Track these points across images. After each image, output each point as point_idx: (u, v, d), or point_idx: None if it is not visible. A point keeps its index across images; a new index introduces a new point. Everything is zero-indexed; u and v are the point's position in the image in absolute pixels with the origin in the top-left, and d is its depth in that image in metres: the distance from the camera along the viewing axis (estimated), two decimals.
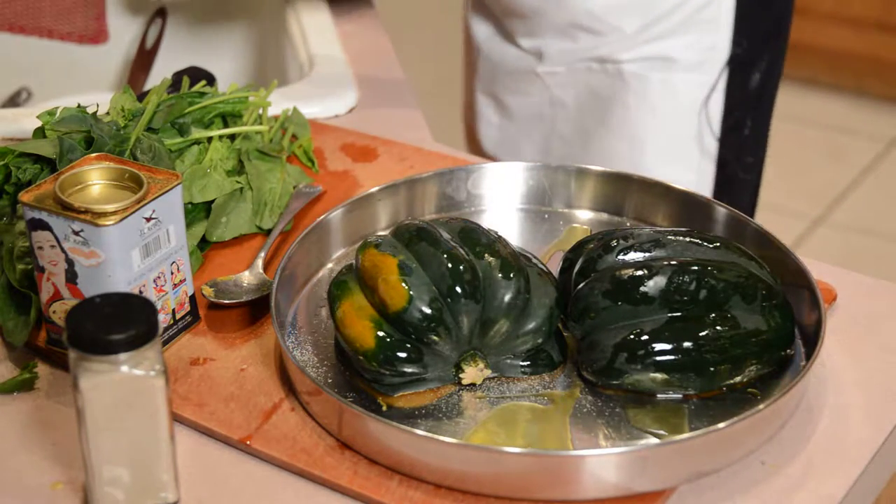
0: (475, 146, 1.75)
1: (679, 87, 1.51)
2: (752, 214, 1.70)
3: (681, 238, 1.02)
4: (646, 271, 0.98)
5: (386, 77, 1.53)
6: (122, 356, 0.83)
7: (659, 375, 0.96)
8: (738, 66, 1.52)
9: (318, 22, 1.61)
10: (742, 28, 1.51)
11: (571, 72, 1.56)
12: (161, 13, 1.72)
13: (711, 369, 0.96)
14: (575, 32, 1.53)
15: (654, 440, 0.94)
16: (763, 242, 1.09)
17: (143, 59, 1.68)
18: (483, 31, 1.65)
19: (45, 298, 1.00)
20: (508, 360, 1.00)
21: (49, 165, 1.09)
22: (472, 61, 1.72)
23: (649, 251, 1.01)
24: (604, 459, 0.89)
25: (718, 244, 1.02)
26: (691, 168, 1.55)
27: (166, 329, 1.03)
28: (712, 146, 1.55)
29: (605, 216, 1.21)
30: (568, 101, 1.58)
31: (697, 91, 1.52)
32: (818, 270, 1.11)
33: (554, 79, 1.58)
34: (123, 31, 1.73)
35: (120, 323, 0.83)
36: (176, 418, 0.97)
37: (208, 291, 1.08)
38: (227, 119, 1.25)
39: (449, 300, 0.95)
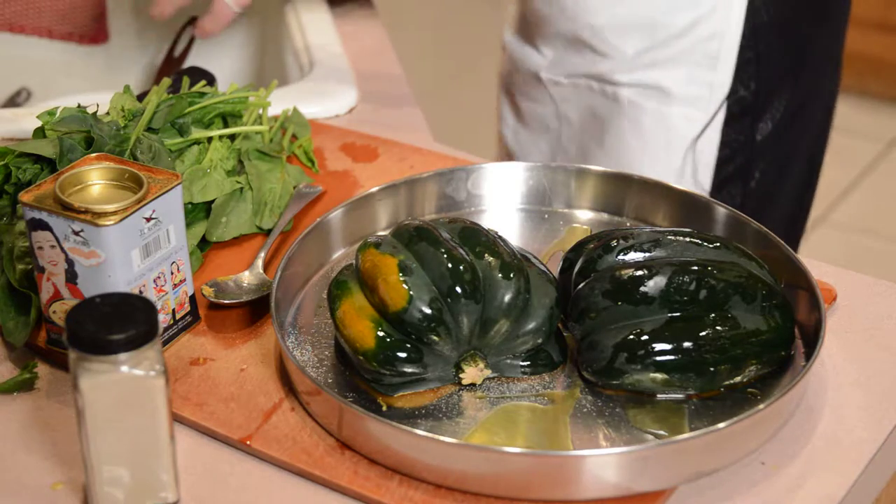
0: (502, 146, 1.75)
1: (672, 120, 1.48)
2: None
3: (681, 238, 1.02)
4: (646, 271, 0.98)
5: (386, 77, 1.53)
6: (122, 356, 0.83)
7: (659, 375, 0.96)
8: (744, 110, 1.48)
9: (318, 22, 1.61)
10: (749, 69, 1.46)
11: (574, 87, 1.54)
12: (193, 22, 1.71)
13: (711, 369, 0.96)
14: (579, 46, 1.51)
15: (654, 440, 0.94)
16: (763, 242, 1.09)
17: (171, 66, 1.67)
18: (508, 32, 1.65)
19: (45, 298, 1.00)
20: (508, 360, 1.00)
21: (49, 165, 1.09)
22: (500, 59, 1.71)
23: (649, 251, 1.01)
24: (604, 459, 0.89)
25: (718, 244, 1.02)
26: None
27: (166, 329, 1.03)
28: (704, 185, 1.51)
29: (605, 216, 1.21)
30: (573, 117, 1.56)
31: (690, 127, 1.48)
32: (818, 270, 1.11)
33: (558, 91, 1.56)
34: (123, 31, 1.73)
35: (120, 323, 0.83)
36: (176, 418, 0.97)
37: (208, 291, 1.08)
38: (227, 119, 1.25)
39: (449, 300, 0.95)
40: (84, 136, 1.11)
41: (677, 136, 1.49)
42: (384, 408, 0.97)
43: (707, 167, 1.50)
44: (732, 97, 1.47)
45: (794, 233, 1.65)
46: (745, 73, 1.46)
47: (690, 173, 1.50)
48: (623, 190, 1.20)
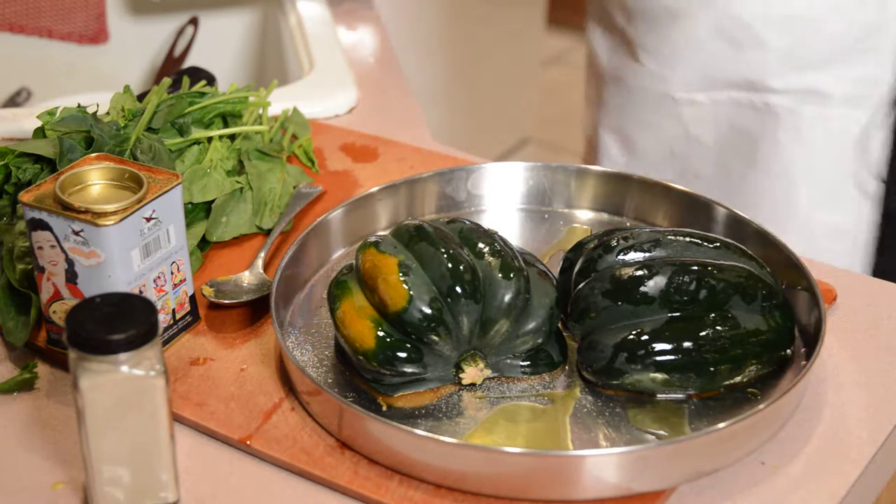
0: None
1: (835, 123, 1.39)
2: None
3: (681, 238, 1.02)
4: (646, 271, 0.98)
5: (386, 77, 1.53)
6: (122, 356, 0.83)
7: (659, 375, 0.96)
8: None
9: (318, 22, 1.61)
10: None
11: (714, 105, 1.43)
12: (193, 22, 1.71)
13: (711, 369, 0.96)
14: (712, 43, 1.40)
15: (654, 440, 0.94)
16: (763, 242, 1.09)
17: (171, 66, 1.67)
18: (604, 45, 1.52)
19: (45, 298, 1.00)
20: (508, 360, 1.00)
21: (49, 165, 1.10)
22: (598, 92, 1.56)
23: (649, 251, 1.01)
24: (604, 459, 0.89)
25: (718, 244, 1.02)
26: (850, 210, 1.43)
27: (166, 329, 1.03)
28: (872, 187, 1.42)
29: (605, 216, 1.21)
30: (706, 138, 1.46)
31: (855, 127, 1.39)
32: (818, 270, 1.11)
33: (692, 111, 1.45)
34: (123, 31, 1.73)
35: (120, 323, 0.83)
36: (176, 418, 0.97)
37: (208, 291, 1.08)
38: (227, 119, 1.25)
39: (449, 300, 0.95)
40: (84, 136, 1.11)
41: (844, 139, 1.39)
42: (384, 408, 0.97)
43: (878, 164, 1.40)
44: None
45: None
46: None
47: (866, 174, 1.41)
48: (623, 190, 1.20)
